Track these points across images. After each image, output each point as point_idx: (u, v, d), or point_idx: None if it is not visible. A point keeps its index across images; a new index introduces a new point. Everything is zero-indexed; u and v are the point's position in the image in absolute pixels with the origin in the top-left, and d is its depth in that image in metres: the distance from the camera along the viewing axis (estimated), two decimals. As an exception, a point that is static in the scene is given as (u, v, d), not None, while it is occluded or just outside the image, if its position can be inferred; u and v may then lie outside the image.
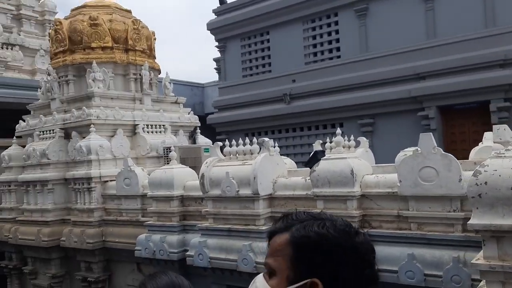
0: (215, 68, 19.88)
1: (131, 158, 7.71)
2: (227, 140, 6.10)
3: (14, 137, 9.51)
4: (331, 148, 5.95)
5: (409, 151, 5.25)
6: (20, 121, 9.50)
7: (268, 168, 5.49)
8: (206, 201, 5.98)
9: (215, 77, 20.42)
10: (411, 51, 11.41)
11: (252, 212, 5.37)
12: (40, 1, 16.82)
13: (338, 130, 5.34)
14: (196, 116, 10.12)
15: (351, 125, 12.19)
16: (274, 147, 5.84)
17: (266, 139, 5.60)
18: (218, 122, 15.14)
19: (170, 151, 7.97)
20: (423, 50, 11.24)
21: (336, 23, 13.04)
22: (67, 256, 8.11)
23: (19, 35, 15.65)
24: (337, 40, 13.06)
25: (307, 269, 1.01)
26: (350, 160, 4.91)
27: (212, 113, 15.76)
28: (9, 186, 9.06)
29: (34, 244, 7.95)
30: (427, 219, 4.49)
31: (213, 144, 9.86)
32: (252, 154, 5.68)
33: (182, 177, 6.60)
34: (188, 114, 9.98)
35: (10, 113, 10.88)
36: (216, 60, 19.29)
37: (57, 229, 7.97)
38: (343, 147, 5.46)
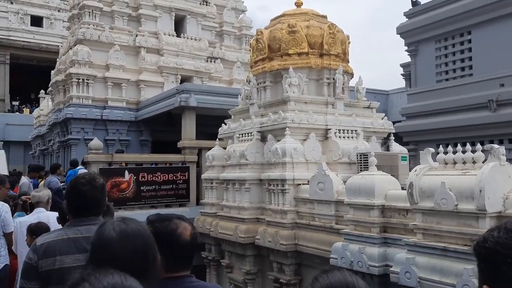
0: (402, 74, 18.75)
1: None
2: (433, 148, 5.39)
3: (217, 139, 10.44)
4: None
5: None
6: (222, 124, 10.37)
7: (497, 180, 4.59)
8: (413, 214, 5.37)
9: (396, 84, 19.23)
10: None
11: (477, 231, 4.54)
12: (239, 18, 18.53)
13: None
14: (390, 122, 9.46)
15: None
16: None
17: (496, 145, 4.71)
18: (406, 130, 14.10)
19: (365, 157, 7.57)
20: None
21: None
22: (260, 255, 8.41)
23: (221, 49, 17.48)
24: None
25: None
26: None
27: (399, 121, 14.76)
28: (212, 183, 9.95)
29: (232, 239, 8.48)
30: None
31: (408, 152, 9.13)
32: (474, 163, 4.85)
33: (383, 185, 6.11)
34: (382, 119, 9.40)
35: (213, 118, 12.06)
36: (404, 65, 18.18)
37: (252, 227, 8.34)
38: None
